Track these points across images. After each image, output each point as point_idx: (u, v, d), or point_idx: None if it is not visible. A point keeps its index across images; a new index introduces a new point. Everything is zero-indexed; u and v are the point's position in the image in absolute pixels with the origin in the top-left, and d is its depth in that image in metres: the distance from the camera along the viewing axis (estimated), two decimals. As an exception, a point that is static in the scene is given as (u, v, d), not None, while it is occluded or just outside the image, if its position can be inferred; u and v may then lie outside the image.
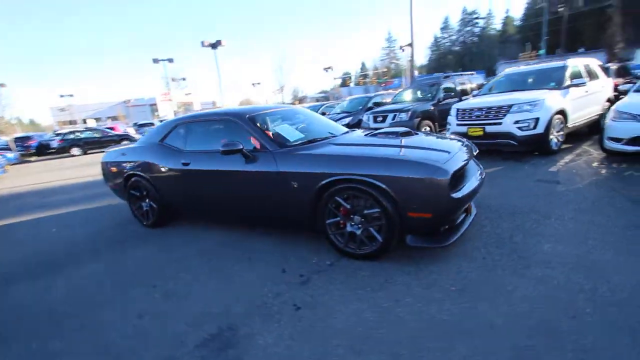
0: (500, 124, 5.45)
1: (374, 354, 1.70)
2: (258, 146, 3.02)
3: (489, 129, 5.56)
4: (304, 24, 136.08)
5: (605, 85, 6.61)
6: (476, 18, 64.03)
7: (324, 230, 2.74)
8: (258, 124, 3.18)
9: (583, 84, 5.72)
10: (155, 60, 20.64)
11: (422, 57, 71.75)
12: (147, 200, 3.96)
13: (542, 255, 2.42)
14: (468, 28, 63.55)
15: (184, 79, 23.98)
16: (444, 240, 2.44)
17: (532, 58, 35.35)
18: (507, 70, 7.28)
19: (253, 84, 43.16)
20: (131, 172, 3.92)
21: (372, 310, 2.04)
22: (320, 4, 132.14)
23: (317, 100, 33.96)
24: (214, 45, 20.81)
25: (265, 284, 2.46)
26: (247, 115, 3.24)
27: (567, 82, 5.75)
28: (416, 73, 26.75)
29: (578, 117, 5.86)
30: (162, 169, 3.63)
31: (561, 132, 5.55)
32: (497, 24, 66.29)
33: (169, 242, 3.53)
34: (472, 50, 62.59)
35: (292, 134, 3.22)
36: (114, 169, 4.20)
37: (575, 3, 29.40)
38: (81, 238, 3.99)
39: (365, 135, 3.22)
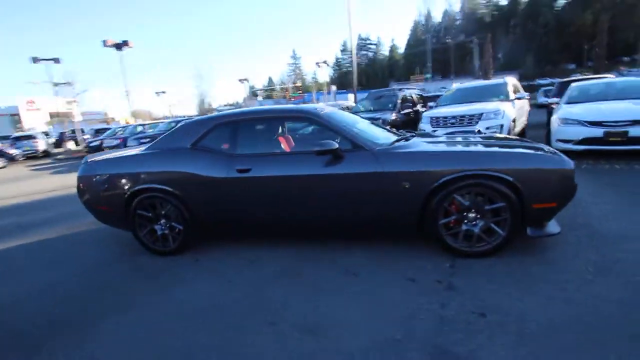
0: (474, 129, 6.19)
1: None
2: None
3: (465, 134, 6.26)
4: (221, 36, 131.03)
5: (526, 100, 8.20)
6: (369, 44, 72.18)
7: (434, 231, 2.60)
8: (338, 122, 2.86)
9: (524, 97, 6.97)
10: (35, 60, 16.50)
11: (326, 75, 76.62)
12: (163, 221, 3.10)
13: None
14: (363, 52, 70.94)
15: (68, 83, 19.76)
16: (555, 229, 2.58)
17: (421, 80, 41.64)
18: (455, 85, 8.34)
19: (157, 93, 38.72)
20: (141, 187, 3.02)
21: (548, 298, 2.01)
22: (237, 19, 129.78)
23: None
24: (119, 46, 17.89)
25: (412, 297, 2.18)
26: (323, 112, 2.89)
27: (513, 95, 6.92)
28: (333, 88, 28.56)
29: (519, 124, 7.08)
30: (203, 179, 2.90)
31: (513, 137, 6.64)
32: (385, 50, 75.90)
33: (229, 270, 2.83)
34: (367, 71, 69.89)
35: (371, 132, 3.00)
36: (104, 186, 3.17)
37: (456, 36, 35.75)
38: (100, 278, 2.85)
39: (446, 134, 3.23)
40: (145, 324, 2.18)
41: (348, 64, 73.08)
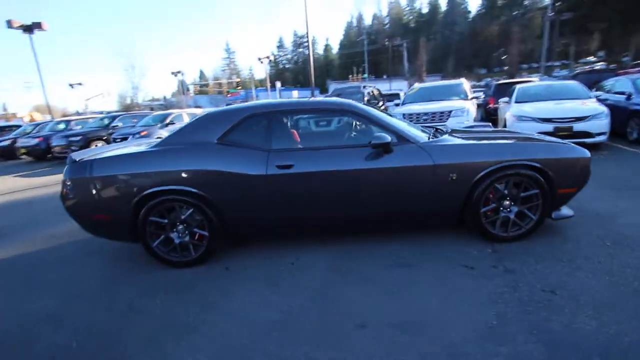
0: (445, 125, 6.67)
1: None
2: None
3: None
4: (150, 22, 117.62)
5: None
6: (305, 42, 72.67)
7: (475, 219, 2.74)
8: (379, 115, 2.83)
9: (479, 97, 7.73)
10: None
11: (262, 71, 75.04)
12: (181, 228, 2.74)
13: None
14: (300, 49, 71.18)
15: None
16: (569, 211, 2.92)
17: (359, 79, 43.46)
18: (417, 85, 8.88)
19: (71, 85, 33.48)
20: (156, 189, 2.62)
21: (593, 271, 2.28)
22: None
23: (152, 109, 29.02)
24: (29, 29, 14.93)
25: (481, 283, 2.27)
26: (360, 105, 2.83)
27: (471, 95, 7.63)
28: (279, 84, 28.02)
29: (472, 121, 7.85)
30: (236, 178, 2.62)
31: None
32: (319, 49, 77.31)
33: (273, 275, 2.60)
34: (305, 69, 70.37)
35: (406, 126, 3.02)
36: (105, 189, 2.66)
37: (389, 39, 37.86)
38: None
39: (467, 128, 3.39)
40: (221, 347, 1.89)
41: (286, 61, 72.73)
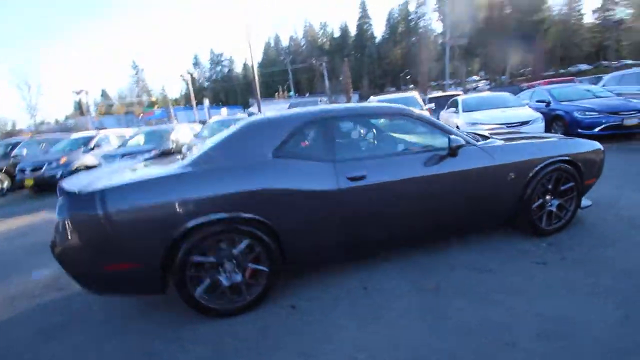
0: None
1: None
2: None
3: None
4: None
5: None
6: (223, 60, 70.92)
7: (527, 216, 2.82)
8: (435, 120, 2.75)
9: (432, 108, 8.39)
10: None
11: (175, 90, 70.36)
12: (228, 266, 2.20)
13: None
14: (218, 68, 69.10)
15: None
16: (588, 201, 3.22)
17: (285, 97, 43.93)
18: (374, 97, 9.25)
19: None
20: (203, 220, 2.06)
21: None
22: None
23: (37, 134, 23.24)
24: None
25: (564, 276, 2.31)
26: (415, 111, 2.71)
27: (425, 106, 8.24)
28: (206, 102, 26.26)
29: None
30: (305, 196, 2.23)
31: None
32: (238, 68, 76.37)
33: (362, 307, 2.22)
34: (225, 88, 68.41)
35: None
36: (128, 228, 1.98)
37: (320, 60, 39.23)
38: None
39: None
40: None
41: (205, 79, 69.60)
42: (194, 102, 26.59)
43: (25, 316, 2.55)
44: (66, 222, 1.95)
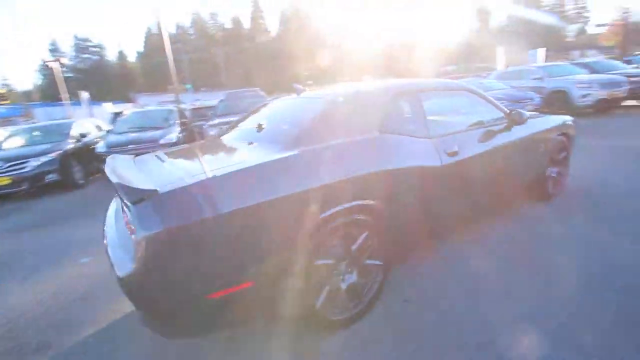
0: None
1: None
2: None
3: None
4: None
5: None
6: (91, 46, 59.46)
7: (542, 183, 3.24)
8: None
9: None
10: None
11: (28, 81, 55.87)
12: (344, 265, 1.89)
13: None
14: (86, 55, 57.62)
15: None
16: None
17: (178, 91, 39.41)
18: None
19: None
20: (332, 211, 1.68)
21: None
22: None
23: None
24: None
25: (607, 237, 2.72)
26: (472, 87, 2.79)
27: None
28: (86, 95, 21.12)
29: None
30: (413, 174, 2.07)
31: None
32: (111, 57, 65.64)
33: (475, 297, 2.14)
34: (96, 79, 57.64)
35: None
36: (248, 233, 1.47)
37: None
38: None
39: None
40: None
41: (65, 69, 57.03)
42: (66, 95, 21.36)
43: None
44: (164, 235, 1.30)
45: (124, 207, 1.60)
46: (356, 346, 1.74)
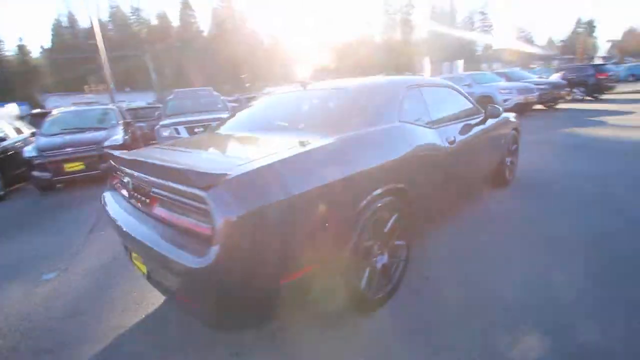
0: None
1: None
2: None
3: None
4: None
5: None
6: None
7: (501, 170, 3.76)
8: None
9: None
10: None
11: None
12: (377, 246, 2.02)
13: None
14: (-29, 47, 48.29)
15: None
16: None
17: (103, 90, 35.29)
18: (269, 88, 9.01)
19: None
20: (372, 195, 1.79)
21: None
22: None
23: None
24: None
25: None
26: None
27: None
28: None
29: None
30: (428, 159, 2.31)
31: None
32: (8, 51, 56.39)
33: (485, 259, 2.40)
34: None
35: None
36: (313, 215, 1.51)
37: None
38: None
39: None
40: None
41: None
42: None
43: None
44: (239, 222, 1.25)
45: (167, 198, 1.48)
46: (393, 322, 1.86)
